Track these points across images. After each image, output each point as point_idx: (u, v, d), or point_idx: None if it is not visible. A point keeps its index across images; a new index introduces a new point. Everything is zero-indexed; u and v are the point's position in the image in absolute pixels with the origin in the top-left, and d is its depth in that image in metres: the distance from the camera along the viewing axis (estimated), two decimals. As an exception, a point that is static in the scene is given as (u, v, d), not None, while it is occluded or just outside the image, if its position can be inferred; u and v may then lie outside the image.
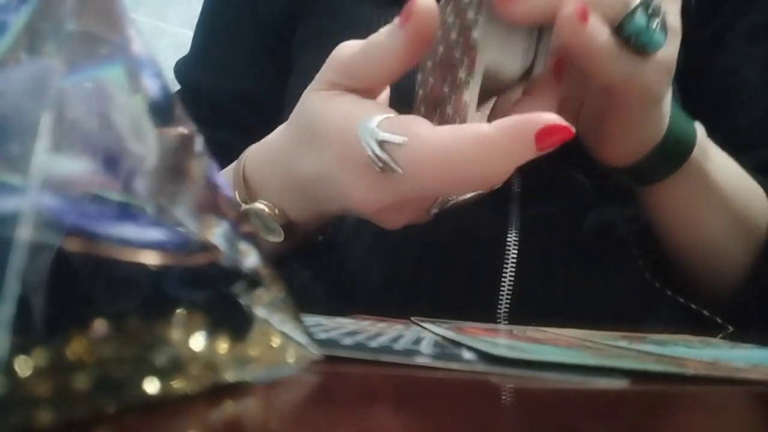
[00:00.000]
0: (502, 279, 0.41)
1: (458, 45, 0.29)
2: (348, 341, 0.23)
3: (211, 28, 0.55)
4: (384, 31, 0.29)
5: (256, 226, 0.35)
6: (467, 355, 0.22)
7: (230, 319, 0.16)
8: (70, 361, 0.12)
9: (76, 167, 0.13)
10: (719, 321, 0.42)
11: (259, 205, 0.34)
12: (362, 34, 0.30)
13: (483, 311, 0.41)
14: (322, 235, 0.40)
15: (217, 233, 0.16)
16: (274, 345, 0.17)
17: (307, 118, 0.32)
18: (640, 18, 0.29)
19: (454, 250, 0.43)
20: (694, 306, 0.43)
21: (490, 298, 0.41)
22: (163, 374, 0.13)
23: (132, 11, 0.15)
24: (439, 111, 0.30)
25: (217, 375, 0.15)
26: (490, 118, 0.33)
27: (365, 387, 0.18)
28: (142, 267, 0.14)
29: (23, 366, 0.11)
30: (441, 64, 0.30)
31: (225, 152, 0.36)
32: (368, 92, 0.31)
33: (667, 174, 0.38)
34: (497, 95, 0.33)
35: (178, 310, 0.14)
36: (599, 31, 0.29)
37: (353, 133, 0.28)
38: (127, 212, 0.14)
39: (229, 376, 0.15)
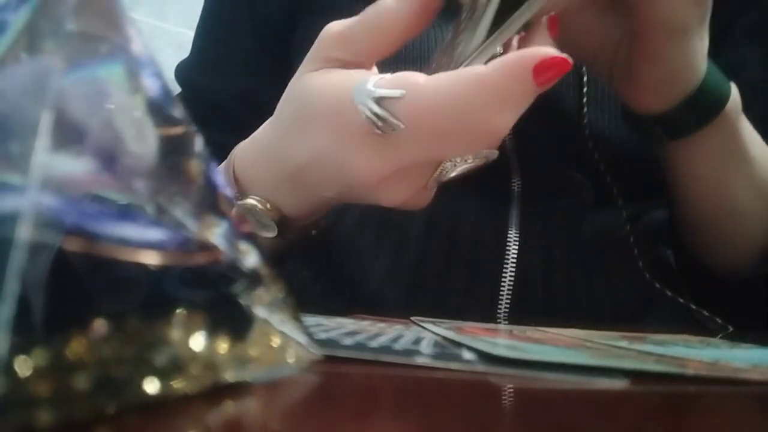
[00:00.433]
0: (502, 279, 0.41)
1: None
2: (348, 341, 0.23)
3: (210, 30, 0.55)
4: (388, 1, 0.29)
5: (250, 222, 0.35)
6: (467, 355, 0.22)
7: (230, 319, 0.16)
8: (70, 361, 0.12)
9: (76, 167, 0.13)
10: (719, 321, 0.42)
11: (252, 201, 0.34)
12: None
13: (483, 311, 0.41)
14: (316, 229, 0.39)
15: (217, 233, 0.16)
16: (274, 345, 0.17)
17: (299, 99, 0.31)
18: None
19: (454, 250, 0.43)
20: (694, 306, 0.43)
21: (490, 298, 0.41)
22: (163, 374, 0.13)
23: (131, 10, 0.15)
24: (445, 60, 0.30)
25: (217, 375, 0.15)
26: None
27: (365, 387, 0.18)
28: (142, 267, 0.14)
29: (23, 366, 0.11)
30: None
31: (225, 153, 0.36)
32: (360, 66, 0.31)
33: (701, 125, 0.38)
34: None
35: (178, 310, 0.14)
36: None
37: (348, 100, 0.28)
38: (127, 212, 0.14)
39: (229, 376, 0.15)
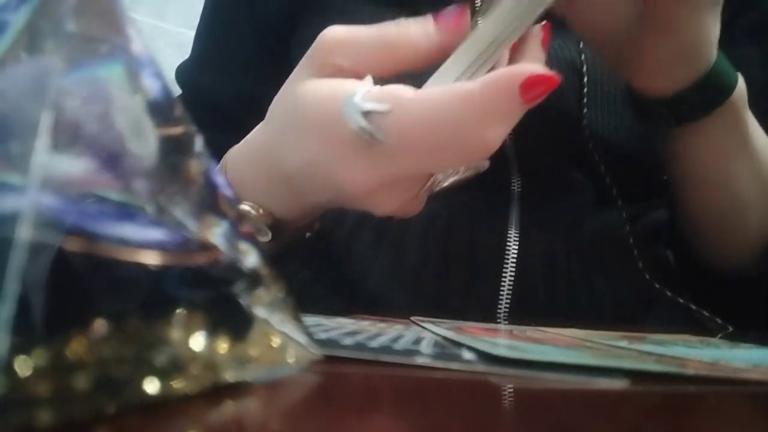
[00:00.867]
0: (502, 279, 0.41)
1: None
2: (348, 341, 0.23)
3: (210, 31, 0.55)
4: (413, 27, 0.29)
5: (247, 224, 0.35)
6: (467, 355, 0.22)
7: (230, 319, 0.16)
8: (70, 361, 0.12)
9: (76, 167, 0.13)
10: (719, 321, 0.42)
11: (245, 206, 0.34)
12: None
13: (483, 311, 0.41)
14: (310, 231, 0.39)
15: (217, 233, 0.16)
16: (274, 345, 0.17)
17: (291, 106, 0.31)
18: None
19: (453, 250, 0.43)
20: (694, 306, 0.43)
21: (490, 298, 0.41)
22: (163, 374, 0.13)
23: (131, 11, 0.15)
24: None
25: (217, 375, 0.15)
26: None
27: (365, 387, 0.18)
28: (142, 267, 0.14)
29: (23, 366, 0.11)
30: None
31: (225, 154, 0.36)
32: (354, 75, 0.31)
33: (708, 110, 0.38)
34: None
35: (178, 310, 0.14)
36: None
37: (337, 111, 0.28)
38: (127, 212, 0.14)
39: (229, 376, 0.15)
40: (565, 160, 0.44)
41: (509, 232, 0.42)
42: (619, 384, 0.19)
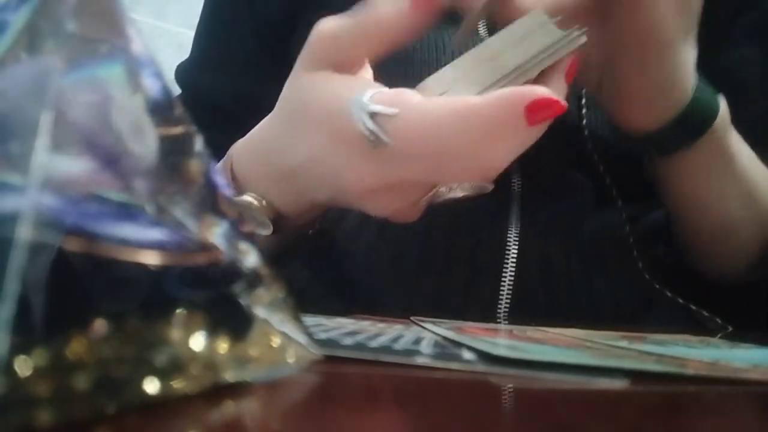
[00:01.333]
0: (502, 279, 0.41)
1: None
2: (348, 341, 0.23)
3: (210, 31, 0.55)
4: (380, 6, 0.29)
5: (247, 219, 0.35)
6: (467, 355, 0.22)
7: (230, 319, 0.16)
8: (70, 361, 0.12)
9: (76, 167, 0.13)
10: (719, 321, 0.42)
11: (248, 198, 0.34)
12: None
13: (483, 311, 0.41)
14: (312, 229, 0.39)
15: (217, 233, 0.16)
16: (274, 345, 0.17)
17: (297, 101, 0.31)
18: None
19: (454, 250, 0.43)
20: (694, 306, 0.43)
21: (490, 298, 0.41)
22: (163, 374, 0.13)
23: (131, 11, 0.15)
24: None
25: (217, 375, 0.15)
26: None
27: (365, 387, 0.18)
28: (142, 267, 0.14)
29: (23, 366, 0.11)
30: None
31: (225, 154, 0.36)
32: (353, 66, 0.31)
33: (691, 141, 0.38)
34: None
35: (178, 310, 0.14)
36: None
37: (345, 109, 0.28)
38: (127, 212, 0.14)
39: (229, 376, 0.15)
40: (565, 160, 0.44)
41: (509, 232, 0.42)
42: (619, 384, 0.19)
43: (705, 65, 0.49)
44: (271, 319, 0.17)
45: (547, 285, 0.42)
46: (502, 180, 0.43)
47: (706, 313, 0.43)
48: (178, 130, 0.15)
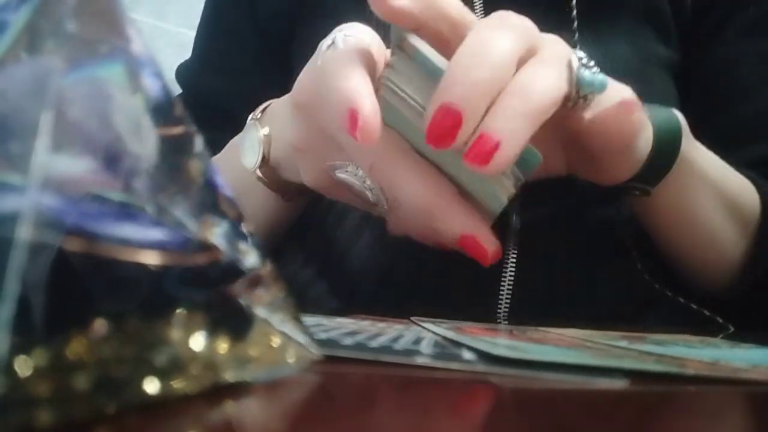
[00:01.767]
0: (502, 279, 0.41)
1: None
2: (348, 341, 0.23)
3: (211, 32, 0.55)
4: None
5: (244, 145, 0.37)
6: (467, 355, 0.22)
7: (230, 319, 0.16)
8: (70, 361, 0.12)
9: (76, 167, 0.13)
10: (719, 321, 0.42)
11: (262, 130, 0.36)
12: None
13: (483, 311, 0.41)
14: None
15: (217, 233, 0.16)
16: (274, 345, 0.17)
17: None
18: (585, 73, 0.30)
19: (454, 250, 0.42)
20: (694, 306, 0.43)
21: (490, 298, 0.41)
22: (163, 374, 0.13)
23: (131, 11, 0.15)
24: None
25: (217, 375, 0.15)
26: None
27: (365, 387, 0.18)
28: (142, 267, 0.14)
29: (23, 366, 0.11)
30: None
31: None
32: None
33: (668, 170, 0.38)
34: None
35: (178, 310, 0.14)
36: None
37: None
38: (127, 212, 0.14)
39: (229, 376, 0.15)
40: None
41: (509, 231, 0.42)
42: (619, 384, 0.19)
43: (702, 61, 0.49)
44: (271, 319, 0.17)
45: (547, 285, 0.42)
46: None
47: (706, 313, 0.43)
48: (178, 130, 0.15)
